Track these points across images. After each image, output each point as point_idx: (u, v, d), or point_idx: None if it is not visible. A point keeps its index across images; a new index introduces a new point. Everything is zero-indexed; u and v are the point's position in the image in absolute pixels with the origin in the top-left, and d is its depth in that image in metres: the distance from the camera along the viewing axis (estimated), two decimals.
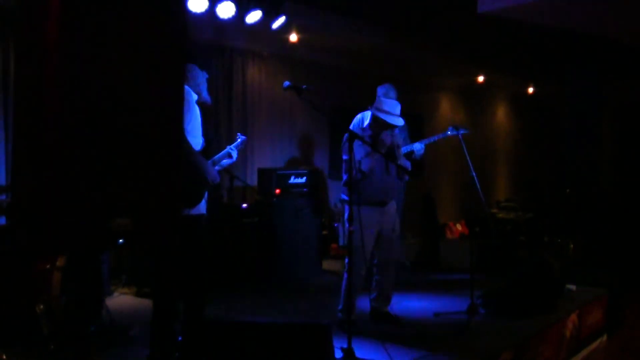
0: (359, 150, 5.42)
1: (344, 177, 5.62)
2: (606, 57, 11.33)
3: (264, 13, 7.08)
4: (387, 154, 5.55)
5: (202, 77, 4.77)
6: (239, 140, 5.09)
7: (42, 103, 2.44)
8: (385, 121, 5.50)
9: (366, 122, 5.60)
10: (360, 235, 5.07)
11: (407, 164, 5.78)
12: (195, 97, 4.65)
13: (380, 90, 6.13)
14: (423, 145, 6.81)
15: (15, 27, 3.26)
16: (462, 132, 6.36)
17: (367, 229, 5.33)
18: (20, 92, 2.64)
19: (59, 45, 2.40)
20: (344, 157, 5.50)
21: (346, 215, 5.51)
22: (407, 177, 5.81)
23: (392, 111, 5.52)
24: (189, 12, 6.42)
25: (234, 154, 4.98)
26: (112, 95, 2.57)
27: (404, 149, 6.75)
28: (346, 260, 5.46)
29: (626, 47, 10.07)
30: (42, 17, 2.41)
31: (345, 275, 5.47)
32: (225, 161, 5.02)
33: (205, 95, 4.77)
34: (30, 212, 2.50)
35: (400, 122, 5.55)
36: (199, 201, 4.61)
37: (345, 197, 5.59)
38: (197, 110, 4.64)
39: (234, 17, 6.81)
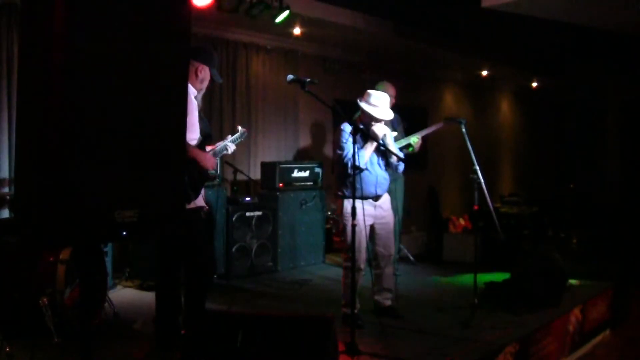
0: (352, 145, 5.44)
1: (338, 171, 5.64)
2: (610, 50, 11.30)
3: (268, 6, 7.07)
4: (378, 148, 5.57)
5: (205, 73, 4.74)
6: (238, 132, 5.06)
7: (46, 95, 2.44)
8: (371, 115, 5.52)
9: (348, 131, 5.56)
10: (358, 230, 5.07)
11: (401, 154, 5.77)
12: (194, 91, 4.64)
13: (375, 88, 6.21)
14: (419, 138, 6.80)
15: (20, 18, 3.26)
16: (454, 122, 6.44)
17: (361, 222, 5.33)
18: (24, 84, 2.63)
19: (63, 38, 2.39)
20: (339, 152, 5.52)
21: (342, 210, 5.56)
22: (401, 167, 5.78)
23: (378, 104, 5.54)
24: (193, 6, 6.42)
25: (231, 148, 4.95)
26: (116, 88, 2.57)
27: (404, 141, 6.83)
28: (344, 255, 5.49)
29: (630, 41, 10.04)
30: (47, 9, 2.41)
31: (344, 271, 5.49)
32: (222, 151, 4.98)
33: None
34: (34, 204, 2.50)
35: (386, 115, 5.56)
36: (196, 196, 4.59)
37: (339, 192, 5.61)
38: (194, 104, 4.63)
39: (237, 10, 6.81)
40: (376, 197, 5.65)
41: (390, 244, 5.77)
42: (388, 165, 5.73)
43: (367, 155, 5.51)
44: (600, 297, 6.76)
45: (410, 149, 6.81)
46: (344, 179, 5.54)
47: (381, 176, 5.68)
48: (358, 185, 5.42)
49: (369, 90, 5.68)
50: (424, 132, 6.85)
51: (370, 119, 5.57)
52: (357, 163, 5.40)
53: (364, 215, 5.14)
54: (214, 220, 6.97)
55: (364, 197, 5.46)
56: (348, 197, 5.15)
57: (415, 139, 6.75)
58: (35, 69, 2.49)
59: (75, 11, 2.41)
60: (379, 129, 5.56)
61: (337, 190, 5.70)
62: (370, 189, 5.58)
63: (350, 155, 5.34)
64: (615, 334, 6.90)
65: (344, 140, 5.50)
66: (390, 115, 5.59)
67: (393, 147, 5.67)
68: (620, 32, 9.36)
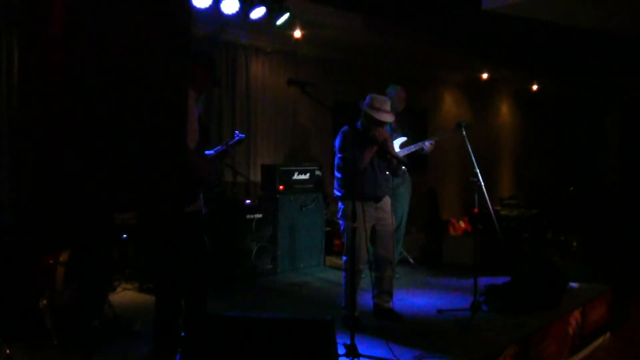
0: (352, 148, 5.48)
1: (337, 174, 5.67)
2: (610, 51, 11.31)
3: (268, 9, 7.07)
4: (380, 151, 5.57)
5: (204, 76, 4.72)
6: (235, 138, 5.03)
7: (46, 97, 2.43)
8: (373, 117, 5.54)
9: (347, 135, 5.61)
10: (357, 231, 5.07)
11: (402, 157, 5.82)
12: (194, 95, 4.62)
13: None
14: (432, 142, 6.97)
15: (19, 19, 3.26)
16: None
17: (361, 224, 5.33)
18: (24, 86, 2.62)
19: (63, 39, 2.39)
20: (339, 155, 5.59)
21: (339, 212, 5.59)
22: (402, 172, 5.82)
23: (381, 107, 5.58)
24: (193, 7, 6.42)
25: (229, 152, 4.95)
26: (116, 89, 2.56)
27: (414, 147, 6.96)
28: (344, 257, 5.49)
29: (630, 41, 10.05)
30: (47, 9, 2.40)
31: (344, 273, 5.49)
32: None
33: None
34: (34, 207, 2.50)
35: (388, 118, 5.62)
36: (193, 201, 4.57)
37: (338, 193, 5.64)
38: (194, 108, 4.61)
39: (237, 12, 6.81)
40: (376, 199, 5.65)
41: (389, 246, 5.76)
42: (390, 169, 5.75)
43: (367, 159, 5.53)
44: (600, 299, 6.75)
45: (422, 151, 7.10)
46: (342, 180, 5.57)
47: (381, 178, 5.69)
48: (359, 187, 5.44)
49: (372, 95, 5.70)
50: (438, 137, 6.95)
51: (371, 122, 5.59)
52: (357, 166, 5.45)
53: (364, 216, 5.14)
54: (213, 223, 6.96)
55: (364, 199, 5.47)
56: (346, 198, 5.15)
57: (428, 144, 6.91)
58: (35, 69, 2.48)
59: (75, 11, 2.40)
60: (380, 134, 5.59)
61: (336, 191, 5.71)
62: (370, 190, 5.59)
63: (351, 158, 5.39)
64: (616, 337, 6.89)
65: (343, 146, 5.55)
66: (391, 118, 5.64)
67: (393, 151, 5.70)
68: (620, 33, 9.36)
